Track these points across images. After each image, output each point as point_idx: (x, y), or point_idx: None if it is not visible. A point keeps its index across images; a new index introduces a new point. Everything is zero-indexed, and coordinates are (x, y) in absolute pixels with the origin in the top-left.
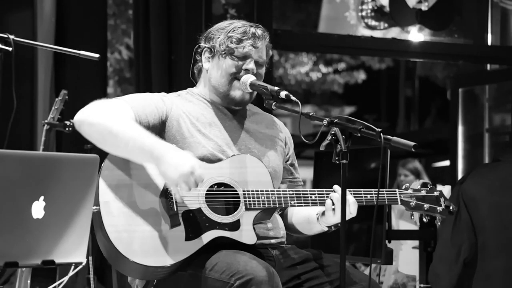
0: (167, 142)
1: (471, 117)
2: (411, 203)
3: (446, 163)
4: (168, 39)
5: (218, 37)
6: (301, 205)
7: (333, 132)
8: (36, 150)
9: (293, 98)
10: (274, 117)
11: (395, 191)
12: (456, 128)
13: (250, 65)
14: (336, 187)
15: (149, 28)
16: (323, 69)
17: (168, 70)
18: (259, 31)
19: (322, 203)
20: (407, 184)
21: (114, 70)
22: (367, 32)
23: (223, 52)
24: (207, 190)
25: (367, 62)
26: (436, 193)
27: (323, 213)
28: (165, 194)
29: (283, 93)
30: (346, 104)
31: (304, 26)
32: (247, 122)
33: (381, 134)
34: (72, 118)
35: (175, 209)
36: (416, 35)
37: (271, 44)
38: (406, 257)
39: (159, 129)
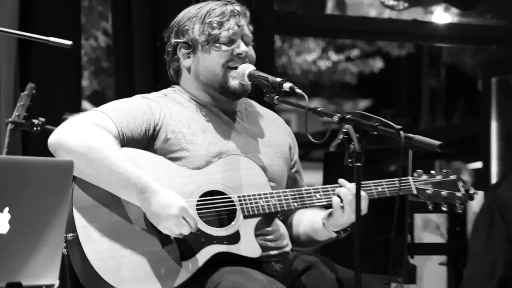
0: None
1: (506, 110)
2: (428, 191)
3: (478, 165)
4: (152, 22)
5: (193, 27)
6: (305, 207)
7: (345, 130)
8: None
9: (298, 90)
10: (275, 114)
11: (408, 179)
12: (489, 123)
13: (241, 47)
14: (342, 181)
15: (131, 9)
16: (333, 56)
17: (153, 59)
18: (237, 7)
19: (329, 202)
20: (420, 171)
21: (90, 60)
22: (385, 13)
23: (205, 43)
24: (198, 201)
25: (384, 48)
26: (452, 177)
27: (329, 215)
28: None
29: (286, 85)
30: (360, 97)
31: (309, 7)
32: (244, 124)
33: (401, 131)
34: (41, 115)
35: None
36: (441, 16)
37: (250, 17)
38: (432, 275)
39: (146, 142)
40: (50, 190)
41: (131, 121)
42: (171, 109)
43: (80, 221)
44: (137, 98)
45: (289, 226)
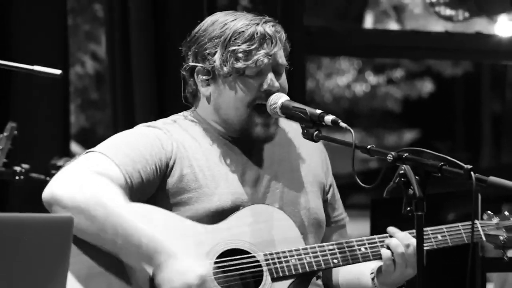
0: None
1: None
2: (501, 237)
3: None
4: (156, 45)
5: (215, 52)
6: (348, 263)
7: (402, 171)
8: None
9: (343, 124)
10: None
11: (475, 223)
12: None
13: (272, 82)
14: (392, 229)
15: (128, 29)
16: (372, 79)
17: (158, 88)
18: (269, 29)
19: (377, 257)
20: (490, 212)
21: (76, 90)
22: (439, 26)
23: (228, 75)
24: (214, 263)
25: (434, 67)
26: None
27: (379, 270)
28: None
29: (328, 118)
30: (405, 128)
31: (343, 18)
32: (268, 148)
33: (472, 172)
34: (24, 161)
35: None
36: (507, 27)
37: (285, 36)
38: None
39: (158, 183)
40: (47, 250)
41: (138, 160)
42: (184, 138)
43: None
44: (141, 128)
45: (328, 279)
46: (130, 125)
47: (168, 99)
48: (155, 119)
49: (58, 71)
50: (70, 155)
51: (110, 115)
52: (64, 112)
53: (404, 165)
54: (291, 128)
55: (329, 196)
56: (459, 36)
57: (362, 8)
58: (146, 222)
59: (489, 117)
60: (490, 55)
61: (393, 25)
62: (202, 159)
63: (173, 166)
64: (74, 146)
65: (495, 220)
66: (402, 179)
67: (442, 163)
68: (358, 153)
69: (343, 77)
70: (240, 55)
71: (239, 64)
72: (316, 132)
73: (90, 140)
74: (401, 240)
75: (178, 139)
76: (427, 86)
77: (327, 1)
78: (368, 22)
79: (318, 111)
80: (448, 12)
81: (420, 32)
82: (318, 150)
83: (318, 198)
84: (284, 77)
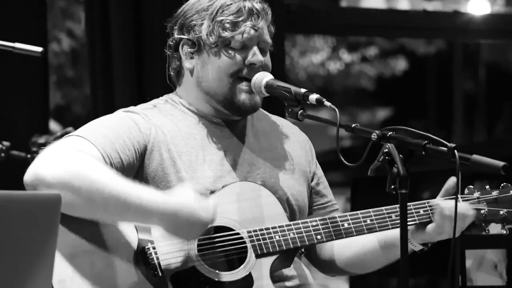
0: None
1: None
2: (482, 211)
3: None
4: (136, 21)
5: (202, 23)
6: (332, 239)
7: (386, 150)
8: None
9: (327, 103)
10: (285, 120)
11: (457, 197)
12: None
13: (256, 56)
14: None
15: (108, 5)
16: (346, 56)
17: (136, 67)
18: (256, 5)
19: (360, 233)
20: (471, 187)
21: (51, 68)
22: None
23: (214, 45)
24: (199, 240)
25: (408, 45)
26: None
27: (417, 229)
28: (142, 255)
29: (313, 97)
30: (379, 106)
31: None
32: (250, 135)
33: (456, 151)
34: (4, 139)
35: (160, 274)
36: (480, 5)
37: (272, 18)
38: None
39: (137, 167)
40: (35, 228)
41: (115, 141)
42: (162, 122)
43: (56, 275)
44: (120, 113)
45: (322, 254)
46: (109, 102)
47: (147, 77)
48: (135, 97)
49: (39, 49)
50: (49, 133)
51: (87, 93)
52: (44, 89)
53: (388, 144)
54: (276, 121)
55: (313, 183)
56: (439, 15)
57: None
58: (132, 185)
59: (462, 96)
60: (465, 33)
61: (371, 4)
62: (181, 144)
63: (152, 150)
64: (53, 124)
65: (477, 194)
66: (387, 157)
67: (425, 141)
68: (331, 132)
69: (317, 55)
70: (227, 25)
71: (226, 33)
72: (301, 111)
73: (66, 118)
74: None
75: (157, 123)
76: (400, 64)
77: None
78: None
79: (303, 90)
80: None
81: (400, 11)
82: (302, 141)
83: (301, 185)
84: (268, 56)
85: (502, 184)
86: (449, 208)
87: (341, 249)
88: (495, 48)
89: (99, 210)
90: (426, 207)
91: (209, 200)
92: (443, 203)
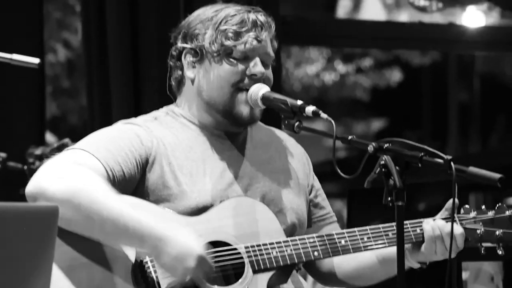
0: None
1: None
2: (478, 231)
3: None
4: (132, 32)
5: (205, 33)
6: (329, 256)
7: (383, 162)
8: None
9: (323, 115)
10: (282, 132)
11: (453, 217)
12: None
13: (257, 67)
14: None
15: (105, 17)
16: (341, 67)
17: (134, 75)
18: (261, 17)
19: (357, 250)
20: (467, 206)
21: (47, 78)
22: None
23: (216, 54)
24: None
25: (402, 56)
26: (509, 212)
27: (413, 248)
28: (140, 269)
29: (309, 109)
30: (374, 117)
31: (313, 8)
32: (250, 148)
33: (452, 163)
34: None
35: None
36: (475, 18)
37: (275, 32)
38: None
39: (138, 179)
40: (32, 240)
41: (117, 153)
42: (164, 135)
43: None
44: (121, 125)
45: (321, 267)
46: (105, 113)
47: (144, 87)
48: (131, 107)
49: (36, 60)
50: (45, 144)
51: (83, 103)
52: (40, 100)
53: (384, 156)
54: (273, 133)
55: (312, 196)
56: (436, 28)
57: None
58: (131, 207)
59: (457, 107)
60: (460, 45)
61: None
62: (181, 156)
63: (153, 162)
64: (48, 136)
65: (473, 214)
66: (383, 169)
67: (422, 153)
68: (326, 143)
69: (312, 66)
70: (230, 34)
71: (228, 42)
72: (297, 123)
73: (61, 129)
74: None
75: (158, 136)
76: (395, 75)
77: None
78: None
79: (299, 102)
80: (422, 2)
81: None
82: (299, 153)
83: (300, 199)
84: (270, 70)
85: (497, 205)
86: (432, 228)
87: (340, 263)
88: (490, 59)
89: (96, 230)
90: (422, 226)
91: (205, 260)
92: (425, 225)
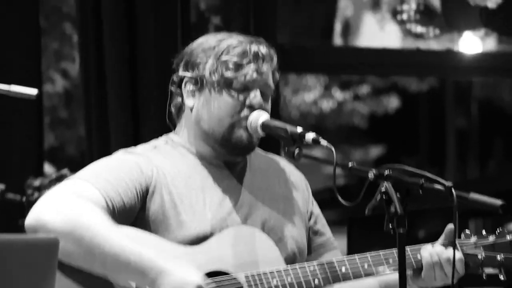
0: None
1: None
2: (479, 256)
3: None
4: (130, 64)
5: (206, 62)
6: (329, 283)
7: (383, 189)
8: None
9: (323, 143)
10: (281, 158)
11: (455, 243)
12: None
13: (256, 99)
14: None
15: (103, 48)
16: (338, 95)
17: (132, 106)
18: (262, 49)
19: (357, 276)
20: (468, 232)
21: (44, 109)
22: (409, 43)
23: (216, 84)
24: None
25: (400, 83)
26: (510, 237)
27: (414, 274)
28: None
29: (309, 136)
30: (372, 143)
31: (309, 36)
32: (248, 176)
33: (453, 189)
34: None
35: None
36: (472, 44)
37: (277, 64)
38: None
39: (138, 209)
40: (31, 273)
41: (117, 183)
42: (163, 164)
43: None
44: (120, 154)
45: None
46: (103, 143)
47: (142, 117)
48: (130, 137)
49: (34, 91)
50: (44, 175)
51: (81, 133)
52: (38, 131)
53: (385, 183)
54: (272, 160)
55: (311, 223)
56: (433, 54)
57: (329, 23)
58: (132, 241)
59: (454, 132)
60: (457, 71)
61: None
62: (181, 185)
63: (153, 192)
64: (46, 166)
65: (473, 239)
66: (384, 196)
67: (423, 180)
68: (325, 170)
69: (310, 93)
70: (230, 65)
71: (228, 74)
72: (297, 150)
73: (59, 159)
74: (433, 254)
75: (158, 165)
76: (392, 102)
77: (296, 18)
78: (338, 39)
79: (299, 129)
80: (419, 29)
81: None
82: (298, 180)
83: (300, 226)
84: (269, 101)
85: (498, 229)
86: (430, 255)
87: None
88: (487, 85)
89: (97, 263)
90: None
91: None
92: (423, 251)
